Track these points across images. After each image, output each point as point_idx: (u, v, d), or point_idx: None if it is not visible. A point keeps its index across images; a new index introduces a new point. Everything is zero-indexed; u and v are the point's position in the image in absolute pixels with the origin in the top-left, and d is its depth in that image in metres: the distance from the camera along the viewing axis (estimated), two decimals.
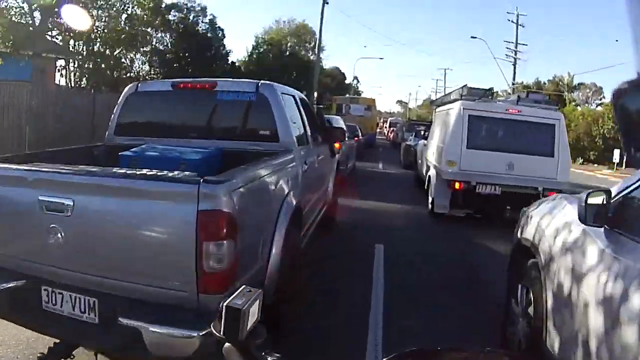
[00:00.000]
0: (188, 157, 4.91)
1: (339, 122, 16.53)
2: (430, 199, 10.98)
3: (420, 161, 14.96)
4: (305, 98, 7.32)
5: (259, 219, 3.84)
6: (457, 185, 9.70)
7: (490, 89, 10.60)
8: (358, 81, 74.80)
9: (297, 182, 5.10)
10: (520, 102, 10.16)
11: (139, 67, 36.56)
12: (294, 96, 6.29)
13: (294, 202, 4.68)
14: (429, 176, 11.39)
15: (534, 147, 9.82)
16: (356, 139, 23.64)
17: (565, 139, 9.91)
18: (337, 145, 14.07)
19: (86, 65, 30.80)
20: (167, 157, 4.97)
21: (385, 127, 58.19)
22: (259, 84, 5.51)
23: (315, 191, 6.54)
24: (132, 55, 35.34)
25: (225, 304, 1.49)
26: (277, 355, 1.57)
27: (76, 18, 17.15)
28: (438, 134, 11.41)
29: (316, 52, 37.01)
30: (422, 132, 17.09)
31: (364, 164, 22.77)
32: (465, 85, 10.67)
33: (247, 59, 43.72)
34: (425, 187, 11.83)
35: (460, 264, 7.57)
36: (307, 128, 6.44)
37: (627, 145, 1.15)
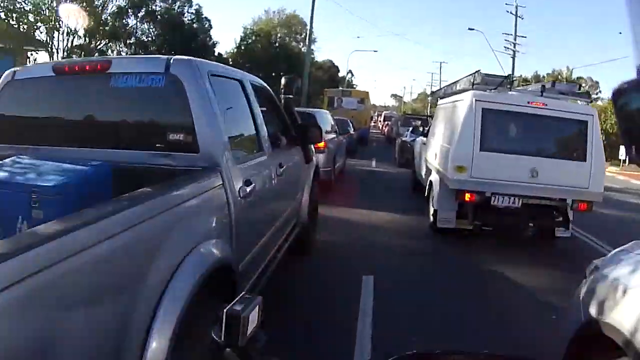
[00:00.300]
0: (42, 181, 2.96)
1: (325, 117, 14.44)
2: (431, 210, 9.02)
3: (418, 161, 12.96)
4: (266, 86, 5.38)
5: (97, 319, 1.89)
6: (467, 197, 7.75)
7: (509, 76, 8.47)
8: (352, 75, 72.92)
9: (225, 220, 3.20)
10: (545, 94, 8.21)
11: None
12: (240, 81, 4.35)
13: (217, 255, 2.78)
14: (431, 182, 9.40)
15: (562, 149, 7.88)
16: (348, 134, 21.81)
17: (599, 139, 7.97)
18: (321, 144, 12.19)
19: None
20: (16, 183, 3.04)
21: (380, 121, 57.06)
22: (170, 60, 3.56)
23: (272, 220, 4.65)
24: (118, 48, 33.89)
25: (225, 310, 1.58)
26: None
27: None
28: (442, 131, 9.42)
29: (307, 43, 35.12)
30: (420, 128, 15.00)
31: (356, 161, 20.92)
32: (478, 72, 8.63)
33: (235, 51, 41.94)
34: (426, 194, 9.84)
35: (476, 304, 5.68)
36: (262, 129, 4.52)
37: (628, 145, 1.06)
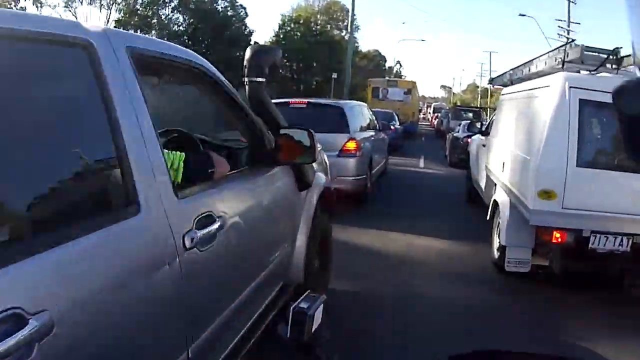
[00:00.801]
0: None
1: (358, 110, 11.43)
2: (496, 242, 6.43)
3: (474, 164, 10.26)
4: (195, 59, 2.84)
5: None
6: (555, 237, 5.16)
7: (616, 51, 5.59)
8: (400, 65, 69.85)
9: None
10: None
11: None
12: (87, 47, 1.87)
13: None
14: (496, 203, 6.74)
15: None
16: (392, 128, 19.24)
17: None
18: (352, 145, 9.61)
19: None
20: None
21: (429, 113, 54.52)
22: None
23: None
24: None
25: (292, 308, 1.70)
26: (339, 356, 1.71)
27: None
28: (513, 133, 6.74)
29: (349, 30, 32.58)
30: (478, 124, 12.21)
31: (401, 160, 18.37)
32: (571, 42, 5.77)
33: (273, 40, 39.67)
34: (488, 217, 7.21)
35: None
36: (145, 154, 2.05)
37: (628, 146, 1.03)
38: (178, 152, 2.63)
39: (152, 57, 2.40)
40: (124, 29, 24.80)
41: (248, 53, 3.54)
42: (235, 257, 2.84)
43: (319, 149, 3.89)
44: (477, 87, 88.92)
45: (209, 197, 2.56)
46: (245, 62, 3.51)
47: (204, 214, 2.40)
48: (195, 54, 2.86)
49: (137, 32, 29.13)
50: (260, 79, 3.53)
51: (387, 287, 5.72)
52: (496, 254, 6.34)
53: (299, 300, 1.86)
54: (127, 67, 2.08)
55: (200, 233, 2.30)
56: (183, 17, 32.40)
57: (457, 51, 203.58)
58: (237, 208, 2.91)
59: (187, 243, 2.20)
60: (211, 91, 3.13)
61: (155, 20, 30.61)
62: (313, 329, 1.82)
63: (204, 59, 2.93)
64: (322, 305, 1.91)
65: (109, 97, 1.91)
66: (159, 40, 2.63)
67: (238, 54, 30.58)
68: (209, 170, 2.67)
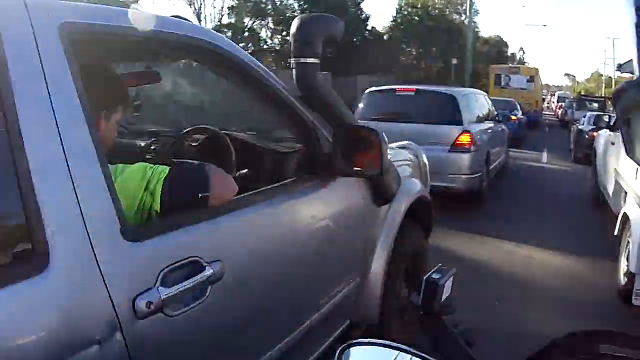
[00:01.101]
0: None
1: (473, 98, 10.29)
2: (623, 266, 5.36)
3: (601, 163, 8.99)
4: (183, 28, 2.02)
5: None
6: None
7: None
8: (524, 52, 67.05)
9: None
10: None
11: (280, 40, 33.45)
12: None
13: None
14: (626, 216, 5.63)
15: None
16: (514, 118, 18.02)
17: None
18: (465, 138, 8.69)
19: None
20: None
21: (553, 102, 51.66)
22: None
23: None
24: (270, 26, 32.47)
25: (424, 277, 1.82)
26: (466, 328, 1.87)
27: None
28: None
29: (467, 14, 31.22)
30: (606, 117, 10.88)
31: (522, 154, 17.18)
32: None
33: (391, 25, 38.92)
34: (616, 232, 6.03)
35: None
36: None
37: (629, 145, 1.10)
38: (160, 167, 1.86)
39: (121, 35, 1.76)
40: (237, 17, 24.92)
41: (294, 25, 2.61)
42: (250, 313, 2.08)
43: (388, 154, 2.90)
44: (601, 75, 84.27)
45: (196, 233, 1.81)
46: (290, 38, 2.63)
47: (183, 261, 1.68)
48: (199, 26, 2.20)
49: (251, 19, 29.54)
50: (311, 60, 2.59)
51: (489, 314, 4.91)
52: (623, 281, 5.30)
53: (430, 272, 1.89)
54: (52, 53, 1.46)
55: (168, 291, 1.59)
56: (297, 2, 32.25)
57: (580, 37, 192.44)
58: (255, 244, 2.14)
59: (141, 308, 1.51)
60: (234, 77, 2.45)
61: (269, 7, 30.62)
62: (442, 299, 1.84)
63: (215, 33, 2.24)
64: (452, 277, 1.93)
65: (7, 100, 1.32)
66: (132, 9, 1.89)
67: (355, 39, 29.97)
68: (200, 195, 1.85)
